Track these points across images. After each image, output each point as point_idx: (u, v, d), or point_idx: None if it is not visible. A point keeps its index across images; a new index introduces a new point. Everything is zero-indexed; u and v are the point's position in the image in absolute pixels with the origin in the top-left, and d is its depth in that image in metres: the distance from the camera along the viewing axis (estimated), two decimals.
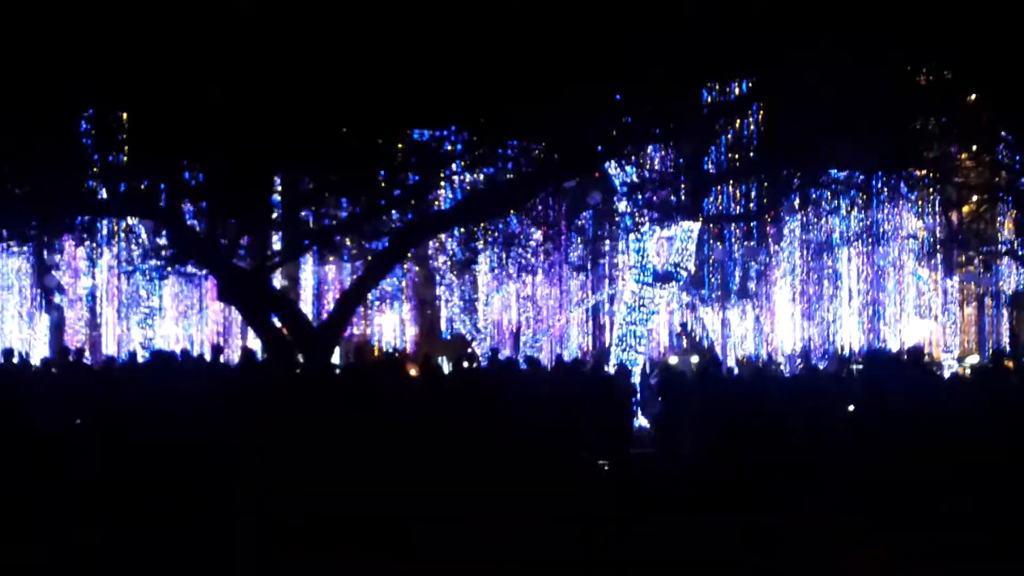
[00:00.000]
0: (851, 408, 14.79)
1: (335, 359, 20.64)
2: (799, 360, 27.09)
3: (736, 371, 25.15)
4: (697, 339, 31.97)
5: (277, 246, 19.07)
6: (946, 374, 25.26)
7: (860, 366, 22.46)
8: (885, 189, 23.06)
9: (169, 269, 21.95)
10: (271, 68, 13.85)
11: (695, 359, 28.81)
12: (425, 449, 13.00)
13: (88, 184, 16.10)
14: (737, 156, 19.95)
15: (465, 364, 19.40)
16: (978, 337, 31.59)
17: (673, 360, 28.98)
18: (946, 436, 13.36)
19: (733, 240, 27.36)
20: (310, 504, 11.17)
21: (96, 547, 10.23)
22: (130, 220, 23.88)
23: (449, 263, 29.27)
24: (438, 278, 31.28)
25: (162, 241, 20.25)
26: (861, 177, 22.12)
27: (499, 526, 10.78)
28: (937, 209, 24.97)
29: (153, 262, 22.28)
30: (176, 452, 12.40)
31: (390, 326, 33.62)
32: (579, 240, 28.58)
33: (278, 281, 25.26)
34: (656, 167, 20.51)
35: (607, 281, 30.14)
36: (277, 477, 11.82)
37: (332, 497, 11.29)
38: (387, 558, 9.98)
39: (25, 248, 25.09)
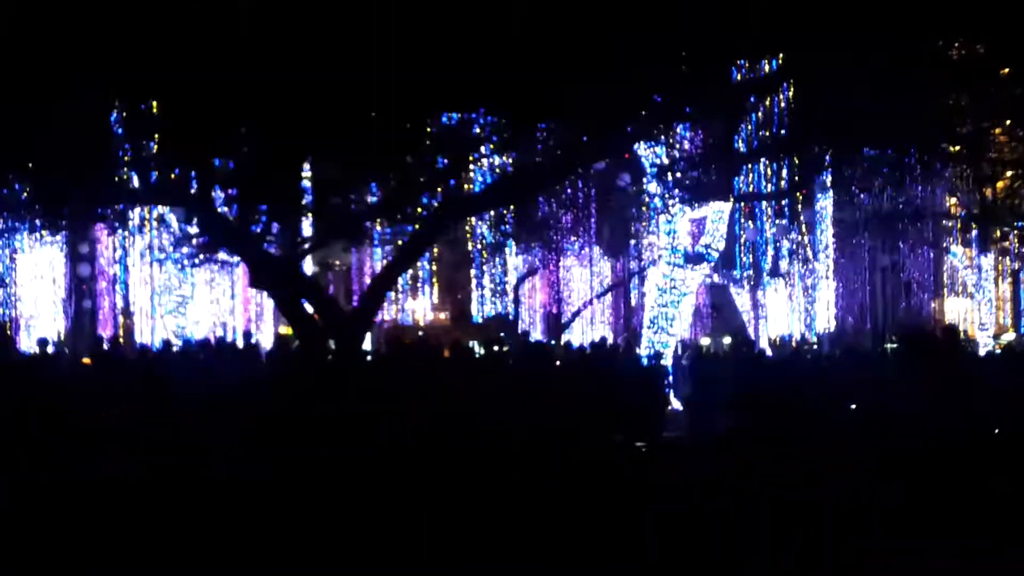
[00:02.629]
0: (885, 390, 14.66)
1: (366, 344, 20.67)
2: (832, 339, 26.97)
3: (769, 351, 25.08)
4: (729, 320, 31.88)
5: (308, 232, 19.10)
6: (981, 352, 25.08)
7: (894, 344, 22.34)
8: (918, 166, 22.84)
9: (201, 257, 22.02)
10: (299, 54, 13.82)
11: (727, 340, 28.68)
12: (457, 431, 12.99)
13: (119, 172, 16.13)
14: (768, 134, 19.80)
15: (495, 348, 19.43)
16: (1014, 313, 31.35)
17: (705, 341, 28.88)
18: (982, 418, 13.24)
19: (765, 219, 27.27)
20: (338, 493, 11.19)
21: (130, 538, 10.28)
22: (161, 208, 24.07)
23: (480, 246, 29.29)
24: (469, 261, 31.35)
25: (193, 229, 20.31)
26: (893, 154, 21.91)
27: (533, 510, 10.77)
28: (971, 185, 24.75)
29: (184, 250, 22.37)
30: (215, 441, 12.44)
31: (421, 310, 33.75)
32: (610, 222, 28.55)
33: (309, 267, 25.31)
34: (686, 147, 20.37)
35: (638, 263, 30.11)
36: (309, 464, 11.84)
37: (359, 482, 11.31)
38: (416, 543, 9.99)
39: (58, 237, 25.23)
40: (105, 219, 21.13)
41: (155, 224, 26.18)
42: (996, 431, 13.38)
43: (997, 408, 13.43)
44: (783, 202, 25.98)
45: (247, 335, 19.22)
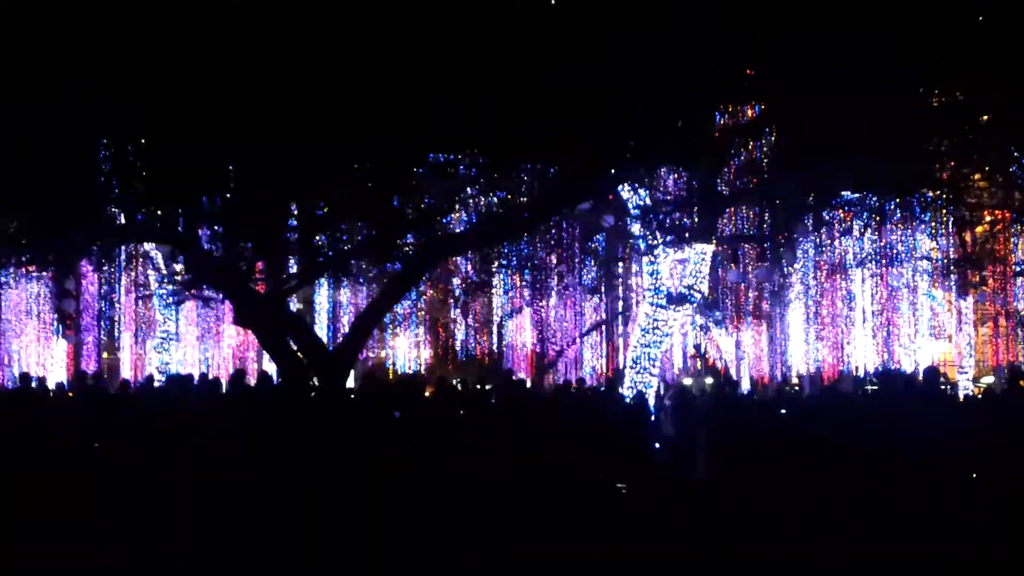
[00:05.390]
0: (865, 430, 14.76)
1: (350, 382, 20.71)
2: (813, 381, 27.09)
3: (750, 392, 25.20)
4: (711, 361, 31.99)
5: (293, 269, 19.16)
6: (960, 395, 25.24)
7: (875, 387, 22.47)
8: (898, 210, 23.08)
9: (186, 293, 22.05)
10: (286, 93, 13.97)
11: (709, 381, 28.80)
12: (440, 470, 13.04)
13: (106, 210, 16.22)
14: (751, 177, 19.99)
15: (479, 386, 19.51)
16: (994, 357, 31.52)
17: (687, 382, 28.98)
18: (961, 458, 13.35)
19: (747, 262, 27.43)
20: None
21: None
22: (147, 245, 24.14)
23: (464, 285, 29.37)
24: (452, 300, 31.42)
25: (179, 267, 20.38)
26: (875, 199, 22.15)
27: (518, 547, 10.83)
28: (951, 229, 24.98)
29: (170, 286, 22.42)
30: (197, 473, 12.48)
31: (404, 349, 33.78)
32: (593, 262, 28.67)
33: (293, 305, 25.36)
34: (670, 189, 20.56)
35: (621, 303, 30.24)
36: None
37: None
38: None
39: (44, 273, 25.25)
40: (91, 255, 21.19)
41: (141, 261, 26.23)
42: (973, 474, 13.51)
43: (975, 450, 13.55)
44: (765, 244, 26.17)
45: (241, 374, 19.23)
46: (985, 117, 18.42)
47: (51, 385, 21.51)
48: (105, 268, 25.70)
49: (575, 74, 13.92)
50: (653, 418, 19.12)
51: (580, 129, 14.58)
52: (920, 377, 18.04)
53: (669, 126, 15.53)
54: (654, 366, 22.70)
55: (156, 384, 21.89)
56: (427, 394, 18.46)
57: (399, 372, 33.00)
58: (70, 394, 19.86)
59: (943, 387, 20.48)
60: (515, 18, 14.17)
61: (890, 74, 14.88)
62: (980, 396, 23.25)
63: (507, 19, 14.16)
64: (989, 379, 30.62)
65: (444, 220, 18.64)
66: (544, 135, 14.78)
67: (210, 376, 24.61)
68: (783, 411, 18.11)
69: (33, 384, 20.21)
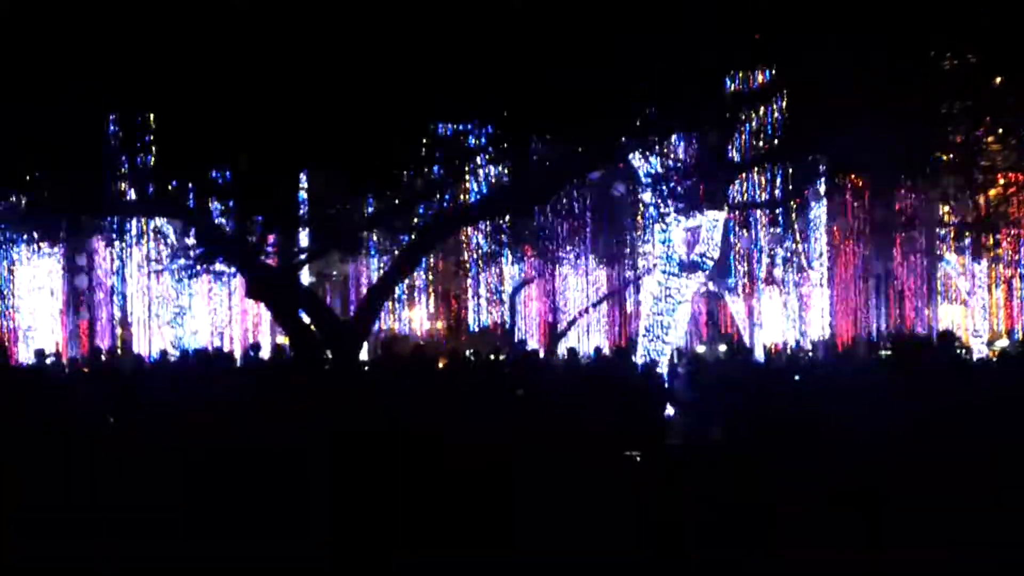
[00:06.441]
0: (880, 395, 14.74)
1: (363, 355, 20.71)
2: (827, 346, 27.05)
3: (762, 357, 25.19)
4: (725, 328, 31.97)
5: (304, 242, 19.12)
6: (976, 358, 25.20)
7: (889, 351, 22.44)
8: (912, 175, 22.93)
9: (198, 268, 22.04)
10: (293, 64, 13.89)
11: (723, 348, 28.78)
12: (449, 440, 13.07)
13: (116, 185, 16.18)
14: (762, 143, 19.88)
15: (492, 356, 19.54)
16: (1008, 320, 31.47)
17: (701, 349, 28.96)
18: (977, 421, 13.33)
19: (759, 228, 27.38)
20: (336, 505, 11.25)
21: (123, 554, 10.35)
22: (158, 220, 24.16)
23: (476, 256, 29.38)
24: (465, 271, 31.42)
25: (191, 240, 20.35)
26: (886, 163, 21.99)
27: (531, 518, 10.84)
28: (964, 193, 24.86)
29: (182, 261, 22.41)
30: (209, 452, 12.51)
31: (418, 319, 33.85)
32: (605, 231, 28.62)
33: (305, 277, 25.36)
34: (681, 156, 20.46)
35: (633, 272, 30.23)
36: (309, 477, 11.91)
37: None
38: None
39: (55, 249, 25.31)
40: (102, 231, 21.20)
41: (152, 235, 26.25)
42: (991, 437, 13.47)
43: (992, 414, 13.53)
44: (777, 210, 26.09)
45: (255, 347, 19.25)
46: (998, 79, 18.27)
47: (65, 361, 21.60)
48: (117, 243, 25.76)
49: (575, 72, 13.83)
50: (667, 385, 19.13)
51: (584, 126, 14.50)
52: (935, 341, 18.04)
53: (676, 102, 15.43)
54: (667, 334, 22.67)
55: (171, 359, 21.93)
56: (440, 366, 18.47)
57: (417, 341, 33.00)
58: (85, 370, 19.94)
59: (958, 351, 20.46)
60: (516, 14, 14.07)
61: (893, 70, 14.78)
62: (995, 360, 23.17)
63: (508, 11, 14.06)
64: (1003, 342, 30.55)
65: (455, 191, 18.59)
66: (549, 123, 14.72)
67: (224, 350, 24.70)
68: (797, 377, 18.11)
69: (49, 360, 20.28)
